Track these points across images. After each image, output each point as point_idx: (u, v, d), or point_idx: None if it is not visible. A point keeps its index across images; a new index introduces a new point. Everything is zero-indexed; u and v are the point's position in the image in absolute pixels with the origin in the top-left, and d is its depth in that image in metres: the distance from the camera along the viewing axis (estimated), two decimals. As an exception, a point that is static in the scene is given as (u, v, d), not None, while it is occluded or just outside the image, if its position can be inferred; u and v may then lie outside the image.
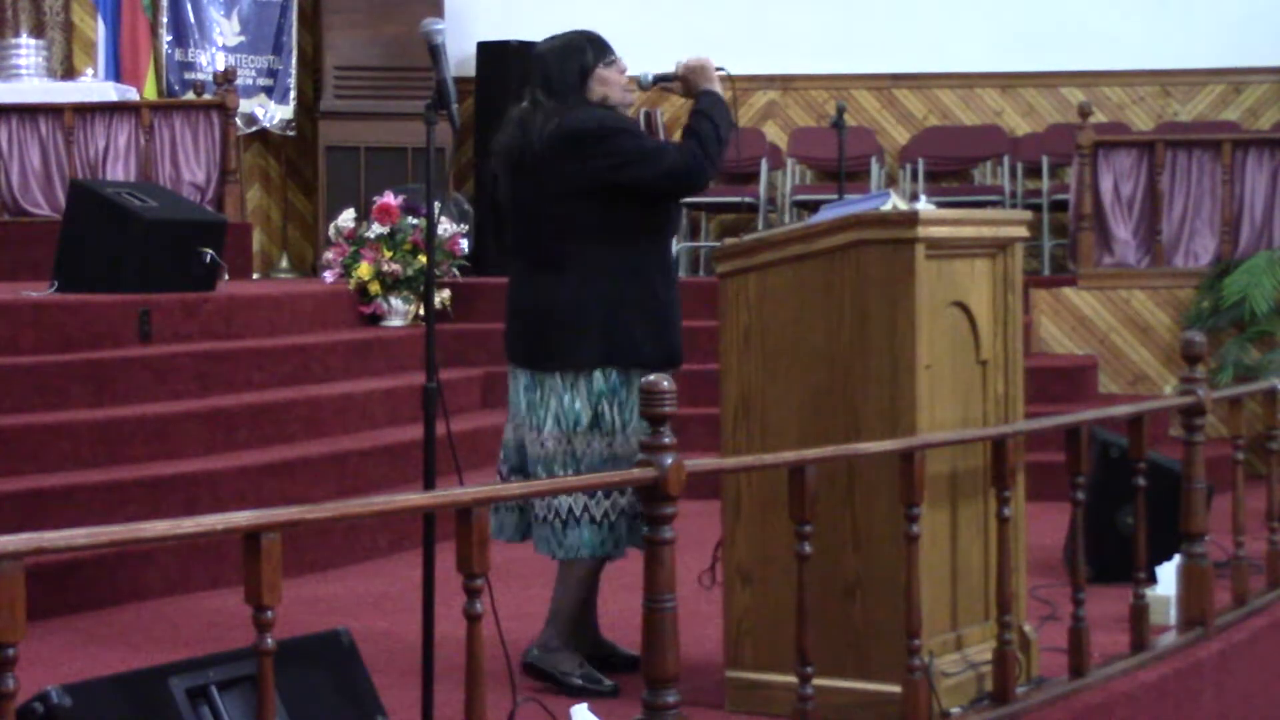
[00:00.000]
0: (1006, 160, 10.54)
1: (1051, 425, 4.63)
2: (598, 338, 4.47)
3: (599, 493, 4.43)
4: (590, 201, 4.47)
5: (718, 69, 4.62)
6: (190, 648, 4.87)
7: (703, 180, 4.51)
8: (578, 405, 4.48)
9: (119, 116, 9.55)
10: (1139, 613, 4.77)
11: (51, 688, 3.23)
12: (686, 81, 4.62)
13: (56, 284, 7.55)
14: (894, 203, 4.30)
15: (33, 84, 9.84)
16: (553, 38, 4.69)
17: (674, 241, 4.69)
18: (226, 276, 8.12)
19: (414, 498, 3.51)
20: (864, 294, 4.16)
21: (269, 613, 2.83)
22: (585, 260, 4.49)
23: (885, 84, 10.92)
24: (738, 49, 10.80)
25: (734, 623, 4.35)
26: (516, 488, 4.29)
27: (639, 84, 4.67)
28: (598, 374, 4.48)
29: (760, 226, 10.32)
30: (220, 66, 10.26)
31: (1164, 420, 8.13)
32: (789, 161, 10.76)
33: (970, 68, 10.82)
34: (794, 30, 10.82)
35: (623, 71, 4.62)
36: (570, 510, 4.45)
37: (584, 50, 4.60)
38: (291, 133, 10.96)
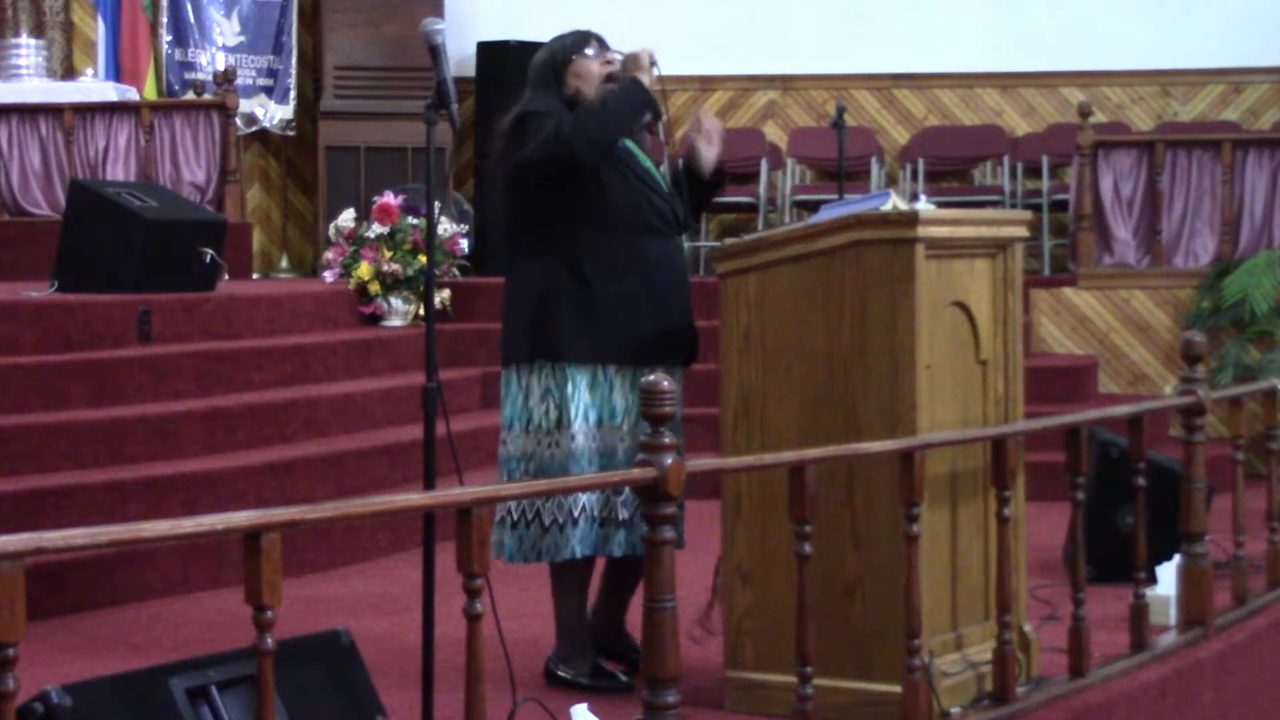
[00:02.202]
0: (1006, 160, 10.54)
1: (1051, 425, 4.63)
2: (527, 334, 4.50)
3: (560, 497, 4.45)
4: (522, 192, 4.51)
5: (654, 64, 4.52)
6: (190, 648, 4.87)
7: (569, 151, 4.35)
8: (526, 401, 4.50)
9: (119, 116, 9.55)
10: (1139, 613, 4.77)
11: (51, 688, 3.22)
12: (624, 66, 4.56)
13: (56, 284, 7.55)
14: (894, 203, 4.30)
15: (33, 84, 9.85)
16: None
17: (655, 236, 4.57)
18: (226, 276, 8.12)
19: (414, 498, 3.51)
20: (864, 294, 4.16)
21: (269, 613, 2.83)
22: (524, 253, 4.55)
23: (885, 84, 10.92)
24: (738, 49, 10.86)
25: (734, 623, 4.35)
26: (516, 487, 4.29)
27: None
28: (535, 369, 4.48)
29: (760, 226, 10.33)
30: (220, 66, 10.26)
31: (1164, 420, 8.13)
32: (789, 161, 10.76)
33: (970, 68, 10.82)
34: (794, 30, 10.82)
35: (608, 63, 4.58)
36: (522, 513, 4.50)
37: (564, 44, 4.61)
38: (291, 133, 10.96)
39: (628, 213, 4.48)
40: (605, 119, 4.42)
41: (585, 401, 4.46)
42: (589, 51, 4.58)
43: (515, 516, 4.49)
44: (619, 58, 4.60)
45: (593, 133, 4.39)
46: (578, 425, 4.45)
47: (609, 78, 4.56)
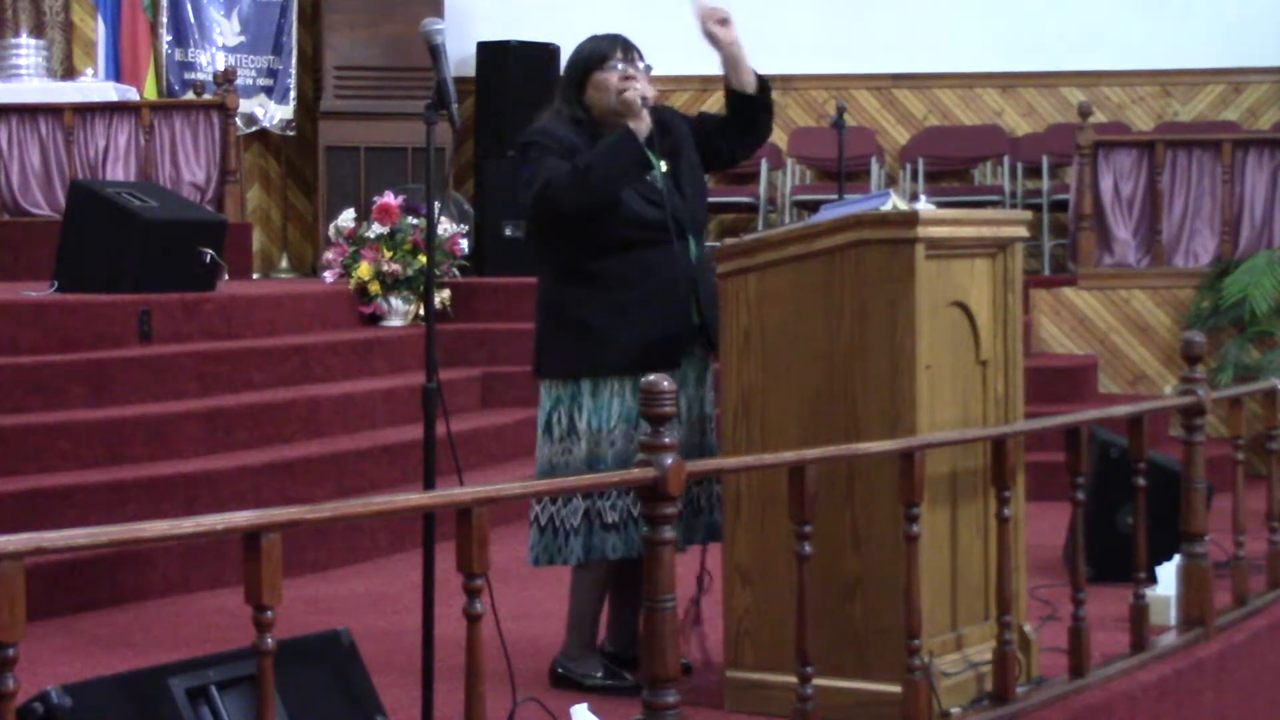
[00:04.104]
0: (1006, 160, 10.54)
1: (1051, 425, 4.63)
2: (538, 347, 4.60)
3: (547, 500, 4.46)
4: (528, 215, 4.59)
5: (646, 106, 4.47)
6: (190, 648, 4.87)
7: (553, 208, 4.41)
8: (542, 410, 4.57)
9: (119, 116, 9.55)
10: (1139, 613, 4.77)
11: (51, 688, 3.23)
12: (620, 109, 4.53)
13: (56, 284, 7.55)
14: (894, 203, 4.30)
15: (33, 84, 9.84)
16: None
17: (653, 248, 4.54)
18: (226, 276, 8.12)
19: (414, 498, 3.51)
20: (864, 294, 4.16)
21: (269, 613, 2.83)
22: (540, 271, 4.65)
23: (885, 84, 10.92)
24: (738, 49, 10.84)
25: (734, 623, 4.35)
26: (516, 487, 4.28)
27: None
28: (542, 382, 4.57)
29: (760, 226, 10.33)
30: (220, 66, 10.26)
31: (1164, 420, 8.13)
32: (789, 161, 10.76)
33: (970, 68, 10.82)
34: (794, 30, 10.81)
35: (626, 77, 4.54)
36: (551, 518, 4.51)
37: (589, 54, 4.59)
38: (291, 133, 10.96)
39: (614, 234, 4.47)
40: (594, 182, 4.39)
41: (589, 409, 4.48)
42: (610, 65, 4.54)
43: (543, 521, 4.51)
44: (644, 68, 4.57)
45: (580, 195, 4.39)
46: (582, 431, 4.47)
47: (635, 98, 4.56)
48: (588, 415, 4.48)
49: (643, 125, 4.44)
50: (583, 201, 4.39)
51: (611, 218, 4.46)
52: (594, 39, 4.64)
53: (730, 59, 4.59)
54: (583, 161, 4.42)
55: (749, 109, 4.64)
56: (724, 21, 4.55)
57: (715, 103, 10.82)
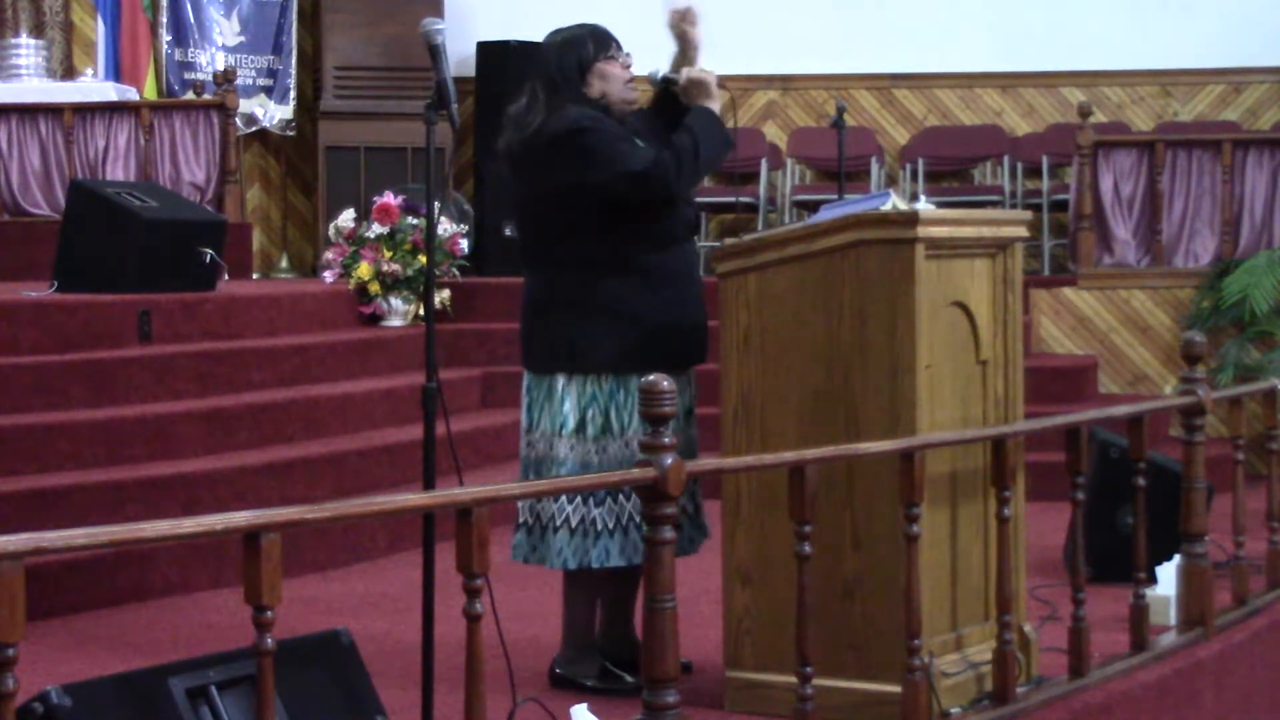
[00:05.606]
0: (1006, 160, 10.54)
1: (1051, 425, 4.62)
2: (558, 341, 4.47)
3: (579, 499, 4.42)
4: (565, 201, 4.43)
5: (722, 86, 4.54)
6: (190, 648, 4.87)
7: (665, 190, 4.37)
8: (565, 407, 4.47)
9: (119, 116, 9.55)
10: (1139, 613, 4.77)
11: (51, 688, 3.23)
12: (687, 92, 4.55)
13: (56, 284, 7.55)
14: (894, 203, 4.30)
15: (33, 84, 9.84)
16: (557, 31, 4.62)
17: (684, 243, 4.58)
18: (226, 276, 8.12)
19: (414, 498, 3.51)
20: (864, 294, 4.16)
21: (269, 613, 2.83)
22: (555, 260, 4.50)
23: (885, 84, 10.93)
24: (738, 49, 10.84)
25: (734, 623, 4.35)
26: (516, 488, 4.28)
27: (650, 81, 4.64)
28: (571, 379, 4.45)
29: (760, 226, 10.33)
30: (220, 66, 10.26)
31: (1164, 420, 8.13)
32: (789, 161, 10.77)
33: (970, 68, 10.82)
34: (794, 30, 10.82)
35: (626, 66, 4.55)
36: (552, 517, 4.47)
37: (584, 43, 4.53)
38: (291, 133, 10.96)
39: (663, 227, 4.47)
40: (700, 160, 4.42)
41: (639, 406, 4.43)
42: (613, 54, 4.53)
43: (575, 521, 4.46)
44: (632, 59, 4.58)
45: (690, 174, 4.41)
46: (632, 432, 4.42)
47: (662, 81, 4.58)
48: (615, 412, 4.43)
49: (718, 105, 4.51)
50: (693, 180, 4.44)
51: (673, 209, 4.48)
52: (579, 31, 4.57)
53: (691, 59, 4.64)
54: (689, 142, 4.41)
55: (682, 107, 4.65)
56: (693, 22, 4.62)
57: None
